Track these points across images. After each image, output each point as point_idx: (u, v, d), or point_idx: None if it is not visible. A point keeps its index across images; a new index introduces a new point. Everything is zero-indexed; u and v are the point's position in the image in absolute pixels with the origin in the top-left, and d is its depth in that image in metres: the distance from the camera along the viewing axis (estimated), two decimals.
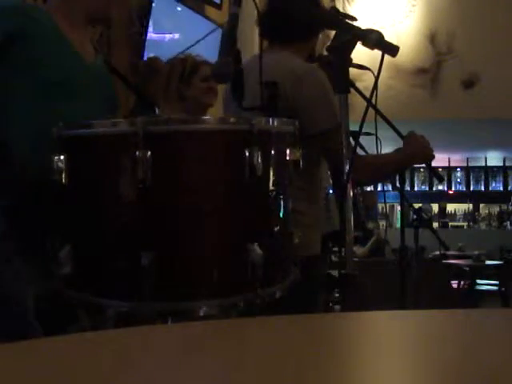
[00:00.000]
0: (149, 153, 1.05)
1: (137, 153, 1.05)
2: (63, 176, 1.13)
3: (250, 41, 3.51)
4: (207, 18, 3.98)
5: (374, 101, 1.55)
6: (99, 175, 1.15)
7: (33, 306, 1.41)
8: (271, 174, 1.16)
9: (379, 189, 10.55)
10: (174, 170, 1.11)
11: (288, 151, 1.21)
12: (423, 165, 2.18)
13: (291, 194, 1.25)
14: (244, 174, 1.09)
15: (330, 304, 4.76)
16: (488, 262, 7.18)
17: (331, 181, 2.20)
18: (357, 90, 1.78)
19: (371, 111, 1.56)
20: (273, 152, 1.16)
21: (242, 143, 1.10)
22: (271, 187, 1.17)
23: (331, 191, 2.15)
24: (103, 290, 1.12)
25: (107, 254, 1.13)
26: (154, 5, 3.57)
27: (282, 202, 1.21)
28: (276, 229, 1.20)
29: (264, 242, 1.12)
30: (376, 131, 1.85)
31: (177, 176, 1.11)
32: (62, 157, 1.13)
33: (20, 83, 1.48)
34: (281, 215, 1.22)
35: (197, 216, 1.11)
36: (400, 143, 2.23)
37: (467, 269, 6.78)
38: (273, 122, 1.19)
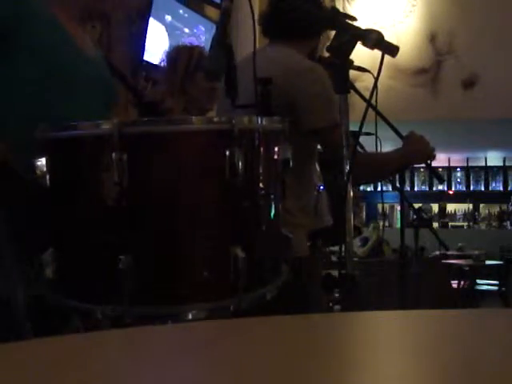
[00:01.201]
0: (125, 154, 1.03)
1: (113, 154, 1.03)
2: (45, 178, 1.12)
3: (250, 39, 3.49)
4: (207, 17, 3.98)
5: (374, 101, 1.55)
6: (78, 177, 1.13)
7: (25, 307, 1.40)
8: (257, 173, 1.13)
9: (379, 189, 10.58)
10: (151, 172, 1.09)
11: (277, 149, 1.17)
12: (423, 165, 2.18)
13: (281, 192, 1.22)
14: (225, 175, 1.06)
15: (330, 304, 4.77)
16: (488, 262, 7.19)
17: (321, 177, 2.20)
18: (356, 91, 1.78)
19: (371, 111, 1.56)
20: (258, 151, 1.13)
21: (221, 143, 1.07)
22: (258, 187, 1.14)
23: (322, 187, 2.14)
24: (85, 294, 1.11)
25: (87, 258, 1.12)
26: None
27: (270, 202, 1.18)
28: (263, 229, 1.17)
29: (249, 244, 1.10)
30: (376, 131, 1.85)
31: (154, 178, 1.09)
32: (43, 159, 1.12)
33: (17, 74, 1.47)
34: (270, 215, 1.19)
35: (175, 218, 1.09)
36: (400, 143, 2.23)
37: (467, 269, 6.78)
38: (258, 121, 1.16)
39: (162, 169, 1.09)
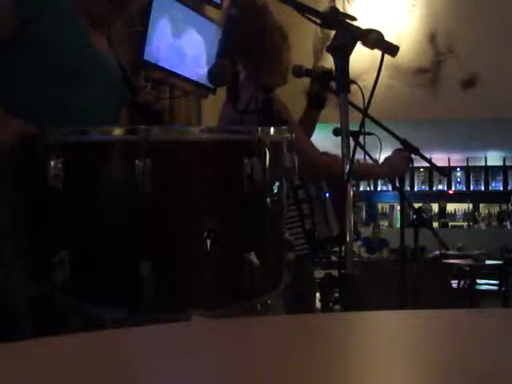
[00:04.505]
0: (148, 162, 1.05)
1: (136, 162, 1.05)
2: (60, 181, 1.12)
3: None
4: (207, 17, 3.97)
5: (373, 99, 1.54)
6: (99, 182, 1.14)
7: (25, 308, 1.40)
8: (269, 181, 1.16)
9: (379, 189, 10.58)
10: (173, 180, 1.11)
11: (284, 158, 1.22)
12: (423, 164, 2.22)
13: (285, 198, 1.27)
14: (243, 185, 1.10)
15: (330, 304, 4.77)
16: (488, 262, 7.19)
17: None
18: (352, 104, 1.76)
19: (371, 111, 1.56)
20: (270, 161, 1.17)
21: (241, 153, 1.11)
22: (269, 195, 1.18)
23: (327, 195, 2.17)
24: (99, 298, 1.12)
25: (104, 262, 1.13)
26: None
27: (277, 209, 1.22)
28: (272, 235, 1.20)
29: (261, 250, 1.13)
30: (365, 135, 1.86)
31: (176, 186, 1.11)
32: (58, 162, 1.12)
33: (30, 66, 1.46)
34: (277, 221, 1.23)
35: (195, 226, 1.11)
36: (398, 144, 2.25)
37: (467, 269, 6.78)
38: (270, 131, 1.19)
39: (184, 177, 1.11)
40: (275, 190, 1.20)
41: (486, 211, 10.56)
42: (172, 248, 1.11)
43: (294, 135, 1.27)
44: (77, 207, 1.16)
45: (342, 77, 1.51)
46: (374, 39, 1.44)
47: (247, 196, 1.11)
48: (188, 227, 1.11)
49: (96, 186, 1.14)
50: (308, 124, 2.32)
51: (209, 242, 1.11)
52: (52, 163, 1.12)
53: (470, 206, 10.56)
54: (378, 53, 1.44)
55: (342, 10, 1.51)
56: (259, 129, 1.15)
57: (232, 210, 1.14)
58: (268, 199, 1.18)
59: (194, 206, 1.12)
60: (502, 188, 10.53)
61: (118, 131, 1.13)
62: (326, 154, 2.25)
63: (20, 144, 1.35)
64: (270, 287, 1.20)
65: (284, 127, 1.27)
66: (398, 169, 2.24)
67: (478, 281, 7.00)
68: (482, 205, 10.58)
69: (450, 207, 10.63)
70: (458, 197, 10.58)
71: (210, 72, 1.41)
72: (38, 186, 1.19)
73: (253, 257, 1.10)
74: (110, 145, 1.13)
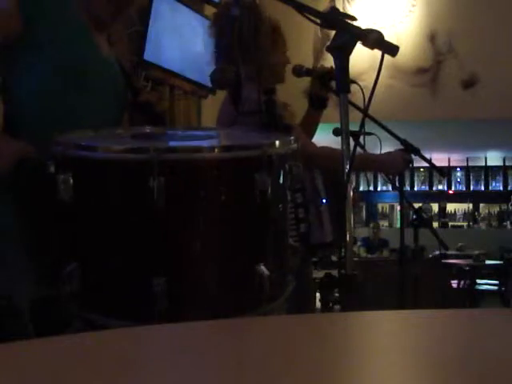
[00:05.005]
0: (162, 180, 1.06)
1: (150, 179, 1.05)
2: (69, 195, 1.12)
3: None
4: (206, 17, 3.98)
5: (373, 99, 1.54)
6: (110, 198, 1.14)
7: (28, 309, 1.40)
8: (278, 193, 1.18)
9: (379, 189, 10.59)
10: (186, 197, 1.12)
11: (291, 168, 1.23)
12: (423, 164, 2.22)
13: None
14: (254, 199, 1.11)
15: (330, 304, 4.78)
16: (488, 262, 7.20)
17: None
18: (352, 103, 1.76)
19: (371, 111, 1.56)
20: (279, 173, 1.18)
21: (251, 169, 1.12)
22: (277, 206, 1.19)
23: (324, 201, 2.18)
24: (109, 311, 1.12)
25: (116, 277, 1.14)
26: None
27: (283, 217, 1.24)
28: (279, 244, 1.22)
29: (270, 261, 1.15)
30: (365, 135, 1.86)
31: (189, 203, 1.12)
32: (68, 176, 1.12)
33: (34, 68, 1.47)
34: (283, 229, 1.24)
35: (207, 242, 1.13)
36: (398, 144, 2.25)
37: (467, 269, 6.78)
38: (277, 144, 1.20)
39: (197, 194, 1.12)
40: (283, 200, 1.22)
41: (486, 211, 10.57)
42: (184, 263, 1.12)
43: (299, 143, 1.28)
44: (87, 221, 1.17)
45: (342, 77, 1.51)
46: (374, 39, 1.44)
47: (257, 209, 1.13)
48: (200, 242, 1.13)
49: (107, 202, 1.15)
50: (310, 125, 2.32)
51: (220, 258, 1.14)
52: (61, 177, 1.12)
53: (470, 206, 10.57)
54: (378, 53, 1.44)
55: (341, 9, 1.51)
56: (267, 143, 1.16)
57: (243, 224, 1.16)
58: (277, 210, 1.19)
59: (206, 221, 1.13)
60: (502, 188, 10.54)
61: (130, 150, 1.13)
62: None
63: (19, 164, 1.35)
64: (278, 295, 1.22)
65: (290, 137, 1.27)
66: (395, 164, 2.24)
67: (478, 281, 7.00)
68: (482, 205, 10.60)
69: (450, 207, 10.64)
70: (458, 197, 10.59)
71: (212, 76, 1.41)
72: (45, 199, 1.19)
73: (263, 268, 1.12)
74: (122, 163, 1.13)
